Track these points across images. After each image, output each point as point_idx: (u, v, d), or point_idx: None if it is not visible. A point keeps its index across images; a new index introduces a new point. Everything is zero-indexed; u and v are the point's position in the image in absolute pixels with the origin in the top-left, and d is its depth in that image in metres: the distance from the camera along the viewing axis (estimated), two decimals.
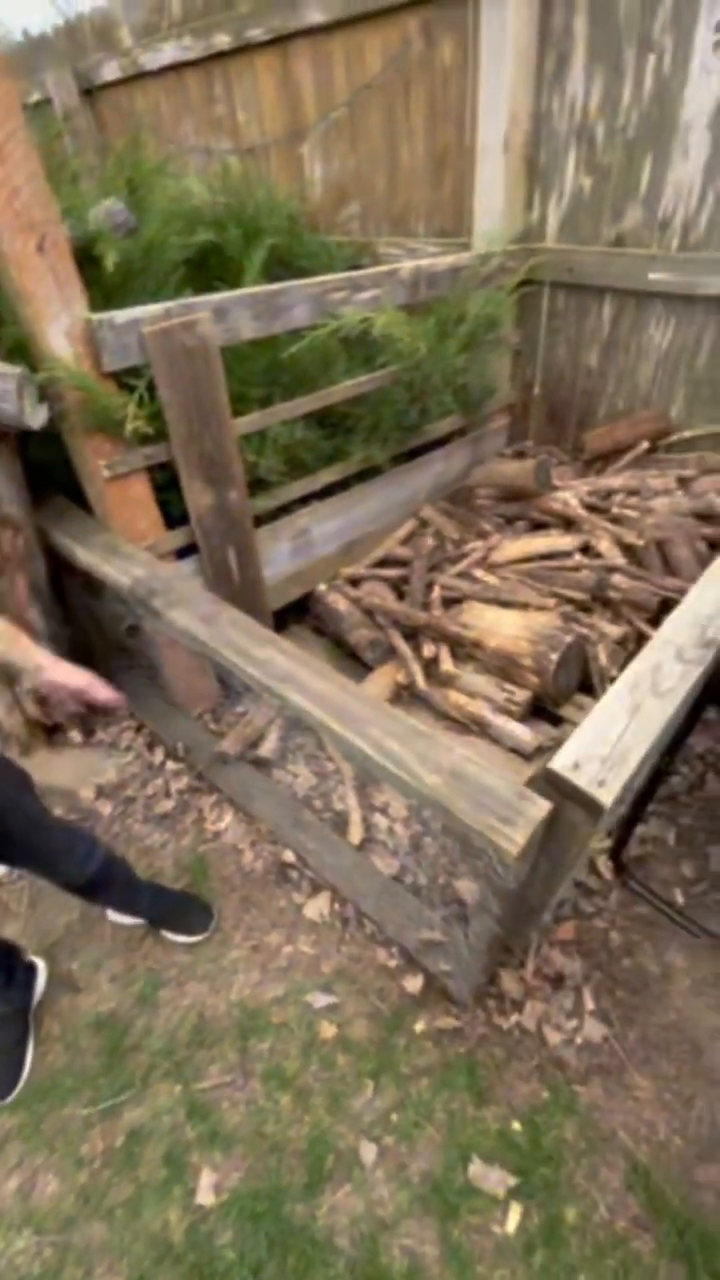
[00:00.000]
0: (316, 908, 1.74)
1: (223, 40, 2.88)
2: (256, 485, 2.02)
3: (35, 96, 3.83)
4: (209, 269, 2.38)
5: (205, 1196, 1.30)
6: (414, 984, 1.56)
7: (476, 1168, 1.30)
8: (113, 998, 1.60)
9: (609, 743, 1.08)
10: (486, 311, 2.19)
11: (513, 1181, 1.28)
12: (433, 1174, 1.30)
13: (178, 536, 1.88)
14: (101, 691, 1.22)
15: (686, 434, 2.50)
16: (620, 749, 1.07)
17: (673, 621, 1.30)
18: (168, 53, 3.14)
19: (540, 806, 1.02)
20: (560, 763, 1.05)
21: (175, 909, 1.70)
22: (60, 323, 1.44)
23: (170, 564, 1.90)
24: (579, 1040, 1.47)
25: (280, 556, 2.21)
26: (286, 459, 2.05)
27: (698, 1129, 1.34)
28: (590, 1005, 1.51)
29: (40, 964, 1.64)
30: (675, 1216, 1.23)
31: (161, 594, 1.51)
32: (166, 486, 1.86)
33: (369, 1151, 1.34)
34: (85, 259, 1.61)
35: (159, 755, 2.15)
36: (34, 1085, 1.46)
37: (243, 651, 1.31)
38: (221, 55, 3.01)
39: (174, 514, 1.89)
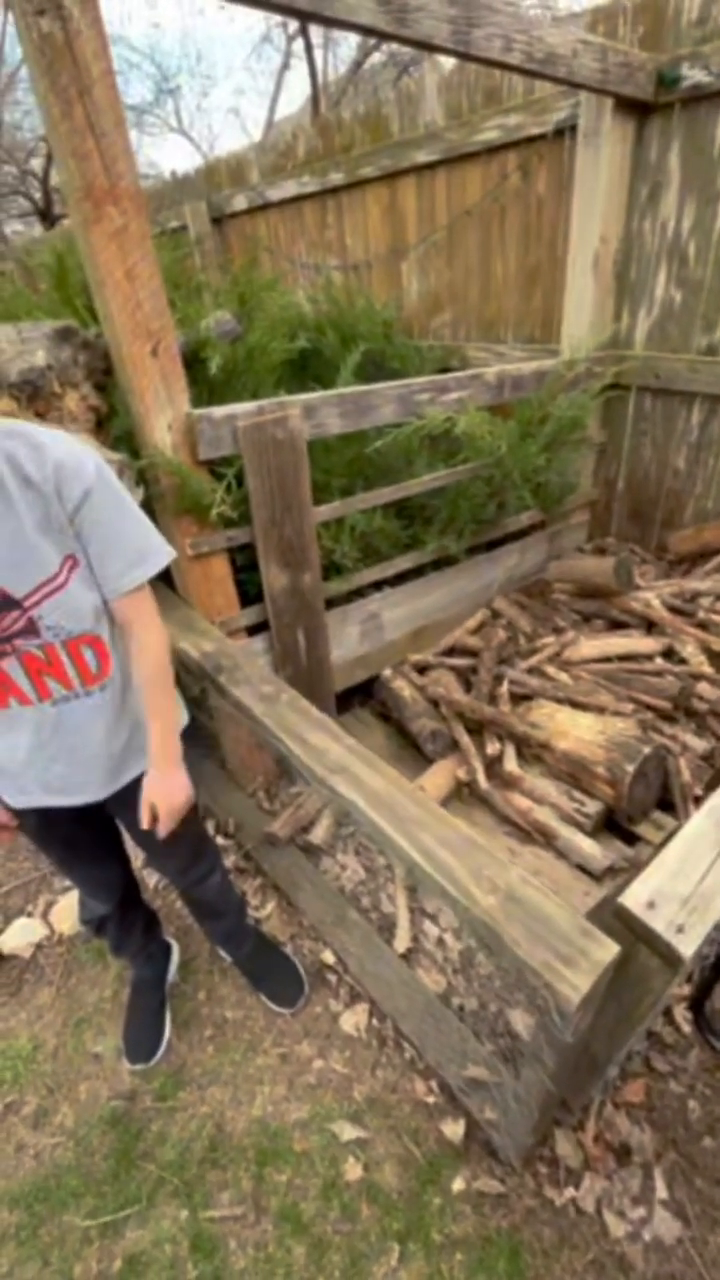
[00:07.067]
0: (353, 1020, 1.61)
1: (337, 178, 3.24)
2: (331, 569, 2.07)
3: (174, 223, 4.43)
4: (308, 370, 2.57)
5: None
6: (454, 1130, 1.38)
7: None
8: (132, 1091, 1.51)
9: (691, 881, 0.96)
10: (570, 414, 2.22)
11: None
12: None
13: (251, 614, 1.93)
14: None
15: None
16: (705, 889, 0.95)
17: None
18: (289, 187, 3.56)
19: (607, 948, 0.90)
20: (633, 899, 0.94)
21: (274, 968, 1.68)
22: (164, 416, 1.56)
23: (240, 640, 1.94)
24: (647, 1236, 1.24)
25: (349, 639, 2.22)
26: (363, 546, 2.09)
27: None
28: (662, 1193, 1.28)
29: (174, 945, 1.77)
30: None
31: (227, 670, 1.53)
32: (246, 567, 1.93)
33: None
34: (194, 361, 1.77)
35: (209, 829, 2.12)
36: (39, 1181, 1.37)
37: (297, 735, 1.29)
38: (335, 189, 3.38)
39: (250, 593, 1.94)
